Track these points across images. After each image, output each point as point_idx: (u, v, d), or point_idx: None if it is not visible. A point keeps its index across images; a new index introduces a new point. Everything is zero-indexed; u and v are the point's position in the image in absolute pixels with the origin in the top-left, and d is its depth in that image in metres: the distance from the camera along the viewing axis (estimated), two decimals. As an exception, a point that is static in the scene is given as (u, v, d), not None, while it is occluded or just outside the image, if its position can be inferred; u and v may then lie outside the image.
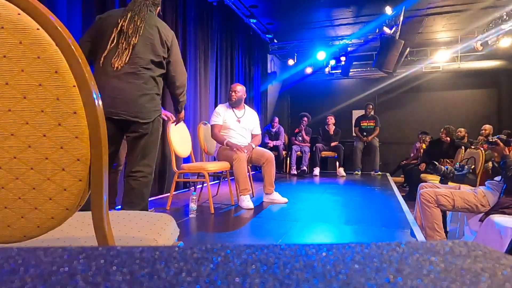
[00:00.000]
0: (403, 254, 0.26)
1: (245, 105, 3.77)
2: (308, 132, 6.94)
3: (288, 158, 6.95)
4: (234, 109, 3.62)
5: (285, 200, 3.53)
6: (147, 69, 2.01)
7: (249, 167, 3.94)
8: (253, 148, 3.55)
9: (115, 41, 1.95)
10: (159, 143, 2.17)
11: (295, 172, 6.60)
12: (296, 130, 7.12)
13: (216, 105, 5.01)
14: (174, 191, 4.36)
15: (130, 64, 1.97)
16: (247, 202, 3.22)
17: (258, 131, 3.78)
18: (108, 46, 1.95)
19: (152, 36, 2.04)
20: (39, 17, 0.53)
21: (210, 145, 3.74)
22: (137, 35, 1.99)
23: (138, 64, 1.98)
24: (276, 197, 3.53)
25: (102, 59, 1.95)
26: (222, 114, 3.58)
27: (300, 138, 6.93)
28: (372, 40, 7.03)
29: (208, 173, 3.11)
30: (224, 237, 2.37)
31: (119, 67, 1.94)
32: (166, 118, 3.21)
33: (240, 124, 3.58)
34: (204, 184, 3.96)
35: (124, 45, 1.96)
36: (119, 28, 1.96)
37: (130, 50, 1.97)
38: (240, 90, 3.60)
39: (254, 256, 0.25)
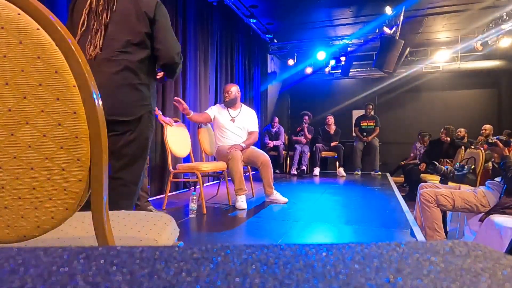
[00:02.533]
0: (403, 254, 0.26)
1: (242, 104, 3.76)
2: (310, 131, 6.92)
3: (288, 158, 6.94)
4: (229, 109, 3.63)
5: (285, 200, 3.53)
6: (124, 53, 1.60)
7: (249, 166, 3.94)
8: (243, 148, 3.48)
9: (85, 24, 1.58)
10: (150, 144, 1.76)
11: (295, 172, 6.60)
12: (298, 129, 7.09)
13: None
14: (175, 191, 4.37)
15: (103, 49, 1.58)
16: (240, 202, 3.21)
17: (253, 128, 3.71)
18: (79, 31, 1.56)
19: (128, 10, 1.61)
20: (39, 17, 0.53)
21: (210, 145, 3.74)
22: (109, 11, 1.59)
23: (112, 48, 1.58)
24: (277, 197, 3.54)
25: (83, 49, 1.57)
26: (215, 111, 3.63)
27: (302, 137, 6.90)
28: (372, 40, 7.02)
29: (203, 173, 3.11)
30: (224, 237, 2.37)
31: (93, 54, 1.56)
32: (164, 124, 3.21)
33: (234, 124, 3.58)
34: (204, 184, 3.96)
35: (95, 27, 1.57)
36: (87, 7, 1.57)
37: (103, 31, 1.58)
38: (233, 90, 3.59)
39: (254, 256, 0.25)
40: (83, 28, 1.56)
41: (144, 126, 1.66)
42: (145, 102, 1.66)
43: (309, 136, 6.87)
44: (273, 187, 3.55)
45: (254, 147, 3.72)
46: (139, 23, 1.60)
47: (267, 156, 3.59)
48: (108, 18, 1.58)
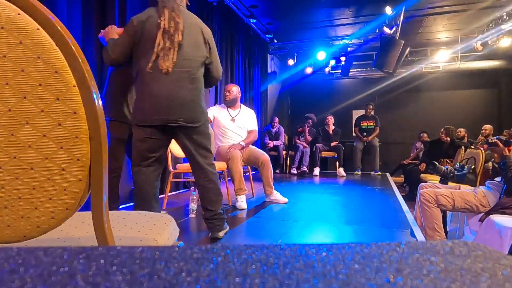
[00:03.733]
0: (403, 254, 0.26)
1: (241, 104, 3.77)
2: (312, 133, 6.93)
3: (288, 158, 6.93)
4: (229, 108, 3.64)
5: (285, 200, 3.53)
6: (197, 71, 2.00)
7: (249, 166, 3.94)
8: (243, 147, 3.50)
9: (161, 43, 1.89)
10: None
11: (295, 172, 6.60)
12: (300, 130, 7.08)
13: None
14: (175, 191, 4.37)
15: (180, 66, 1.93)
16: (240, 202, 3.22)
17: (253, 126, 3.73)
18: (156, 50, 1.88)
19: (197, 38, 2.02)
20: (39, 17, 0.53)
21: (211, 145, 3.74)
22: (179, 32, 1.93)
23: (189, 66, 1.96)
24: (277, 197, 3.54)
25: (150, 63, 1.89)
26: (215, 112, 3.63)
27: (302, 139, 6.91)
28: (372, 40, 7.02)
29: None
30: (224, 237, 2.37)
31: (169, 69, 1.89)
32: None
33: (234, 123, 3.59)
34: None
35: (168, 45, 1.90)
36: (161, 29, 1.90)
37: (176, 48, 1.92)
38: (234, 90, 3.61)
39: (254, 256, 0.25)
40: (160, 47, 1.89)
41: (206, 129, 2.13)
42: (205, 110, 2.12)
43: (309, 138, 6.87)
44: (273, 187, 3.56)
45: (254, 146, 3.73)
46: (205, 48, 2.05)
47: (267, 155, 3.60)
48: (180, 38, 1.93)
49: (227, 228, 2.31)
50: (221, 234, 2.21)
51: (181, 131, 2.03)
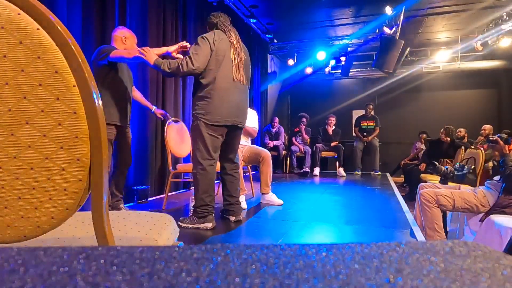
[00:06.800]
0: (403, 254, 0.26)
1: None
2: (307, 132, 6.93)
3: (288, 158, 6.95)
4: None
5: (281, 202, 3.48)
6: (248, 86, 2.59)
7: (249, 167, 3.93)
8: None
9: (235, 58, 2.38)
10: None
11: (298, 171, 6.62)
12: (296, 129, 7.10)
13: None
14: (175, 191, 4.37)
15: (245, 80, 2.47)
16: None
17: (253, 125, 3.74)
18: (233, 63, 2.38)
19: (248, 60, 2.56)
20: (39, 17, 0.53)
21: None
22: (242, 50, 2.46)
23: (247, 81, 2.54)
24: (272, 198, 3.48)
25: (230, 75, 2.36)
26: None
27: (300, 138, 6.93)
28: (372, 40, 7.02)
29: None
30: (224, 237, 2.37)
31: (241, 79, 2.42)
32: (162, 118, 3.24)
33: None
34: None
35: (237, 59, 2.40)
36: (234, 46, 2.40)
37: (242, 61, 2.43)
38: None
39: (254, 256, 0.25)
40: (236, 61, 2.39)
41: None
42: None
43: (307, 137, 6.88)
44: (270, 187, 3.52)
45: (254, 145, 3.73)
46: (250, 70, 2.62)
47: (269, 152, 3.59)
48: (245, 56, 2.49)
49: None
50: (240, 216, 2.76)
51: (235, 130, 2.55)
